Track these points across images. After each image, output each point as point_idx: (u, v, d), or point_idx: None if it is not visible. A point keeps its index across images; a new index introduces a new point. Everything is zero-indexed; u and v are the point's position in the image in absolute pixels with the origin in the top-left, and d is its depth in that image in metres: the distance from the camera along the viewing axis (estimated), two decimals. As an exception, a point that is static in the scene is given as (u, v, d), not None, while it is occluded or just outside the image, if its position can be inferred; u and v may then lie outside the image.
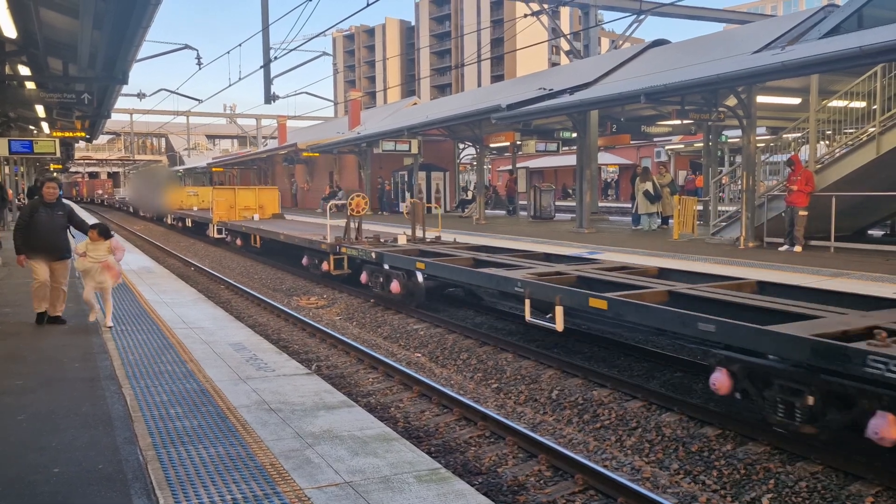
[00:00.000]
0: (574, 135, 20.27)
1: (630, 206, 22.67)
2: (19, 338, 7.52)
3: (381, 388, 8.84)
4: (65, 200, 8.31)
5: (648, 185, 18.40)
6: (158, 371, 6.02)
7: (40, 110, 16.41)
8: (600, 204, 33.05)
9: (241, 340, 7.32)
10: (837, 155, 13.39)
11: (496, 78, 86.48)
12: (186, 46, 18.43)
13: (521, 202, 28.88)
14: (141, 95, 24.04)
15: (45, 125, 19.88)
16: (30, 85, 13.30)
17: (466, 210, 28.42)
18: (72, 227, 8.29)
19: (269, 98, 20.58)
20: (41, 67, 12.24)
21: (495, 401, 8.45)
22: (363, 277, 14.34)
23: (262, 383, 5.65)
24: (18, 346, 7.08)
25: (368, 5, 12.40)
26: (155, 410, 4.93)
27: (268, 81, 20.31)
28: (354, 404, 5.16)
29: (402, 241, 15.74)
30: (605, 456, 6.72)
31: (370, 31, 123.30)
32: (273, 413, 4.88)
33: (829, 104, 13.62)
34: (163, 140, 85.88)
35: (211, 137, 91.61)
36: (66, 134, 18.51)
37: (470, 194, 32.69)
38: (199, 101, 27.34)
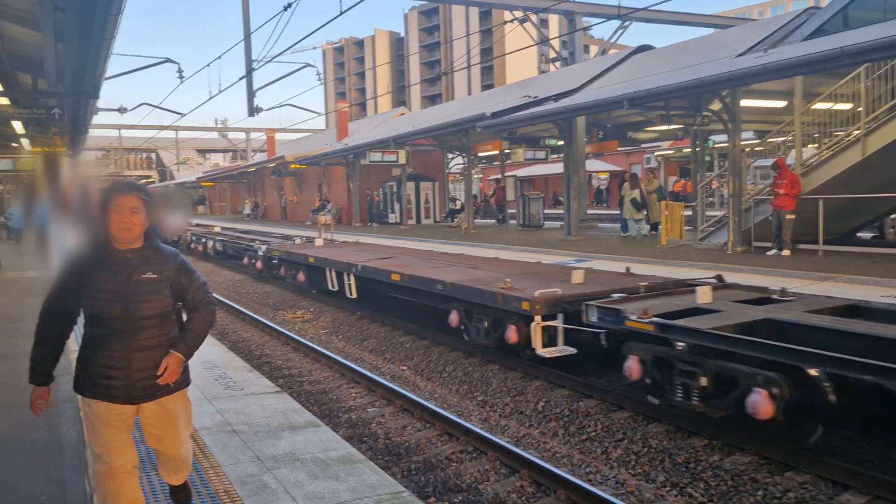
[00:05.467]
0: (560, 142, 20.16)
1: (619, 212, 22.57)
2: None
3: (363, 403, 8.65)
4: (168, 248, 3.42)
5: (636, 193, 18.30)
6: (122, 392, 5.81)
7: (18, 126, 16.22)
8: (591, 211, 33.00)
9: (213, 358, 7.11)
10: (823, 157, 13.30)
11: (486, 87, 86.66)
12: (167, 60, 18.33)
13: (510, 210, 28.78)
14: (122, 110, 23.91)
15: (25, 142, 19.68)
16: (3, 101, 13.14)
17: (455, 220, 28.29)
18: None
19: (252, 111, 20.43)
20: (10, 83, 12.04)
21: (479, 414, 8.26)
22: (633, 368, 7.24)
23: (228, 403, 5.45)
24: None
25: (342, 13, 12.30)
26: (111, 435, 4.71)
27: (251, 94, 20.17)
28: (321, 423, 4.96)
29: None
30: (589, 469, 6.54)
31: (360, 43, 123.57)
32: (235, 435, 4.68)
33: (814, 107, 13.53)
34: (152, 155, 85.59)
35: (202, 151, 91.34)
36: (47, 150, 18.25)
37: (458, 204, 32.58)
38: (182, 114, 27.19)
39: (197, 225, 34.76)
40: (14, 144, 22.68)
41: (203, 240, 26.66)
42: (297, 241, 19.37)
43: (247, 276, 21.21)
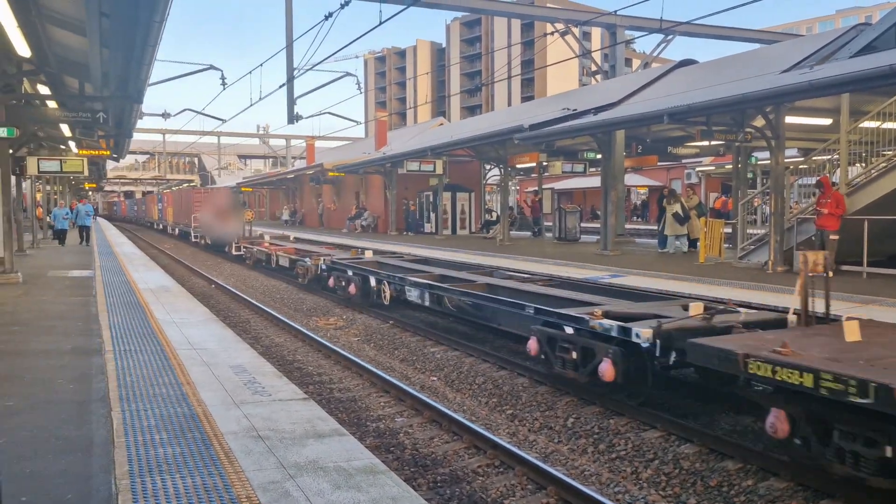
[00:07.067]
0: (599, 156, 20.01)
1: (656, 227, 22.30)
2: (19, 357, 7.44)
3: (392, 413, 8.62)
4: None
5: (677, 207, 18.11)
6: (152, 394, 5.86)
7: (66, 129, 16.65)
8: (628, 226, 32.65)
9: (243, 363, 7.14)
10: (870, 177, 12.97)
11: (526, 99, 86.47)
12: (211, 67, 18.64)
13: (546, 223, 28.64)
14: (166, 115, 24.35)
15: (72, 144, 20.17)
16: (51, 104, 13.48)
17: (491, 231, 28.24)
18: None
19: (293, 118, 20.66)
20: (59, 86, 12.35)
21: (508, 428, 8.17)
22: None
23: (255, 408, 5.46)
24: (14, 366, 6.99)
25: (381, 24, 12.38)
26: (139, 436, 4.75)
27: (291, 101, 20.40)
28: (346, 433, 4.94)
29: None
30: (618, 489, 6.41)
31: (401, 53, 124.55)
32: (260, 441, 4.68)
33: (861, 125, 13.21)
34: (195, 159, 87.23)
35: (242, 157, 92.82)
36: (92, 153, 18.73)
37: (494, 215, 32.53)
38: (224, 120, 27.66)
39: (323, 244, 24.09)
40: (62, 147, 23.30)
41: (360, 275, 15.60)
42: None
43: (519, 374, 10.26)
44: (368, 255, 18.42)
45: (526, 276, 13.77)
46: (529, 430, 8.09)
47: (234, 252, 26.40)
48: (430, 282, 13.09)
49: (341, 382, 10.09)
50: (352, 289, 15.53)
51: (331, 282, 16.97)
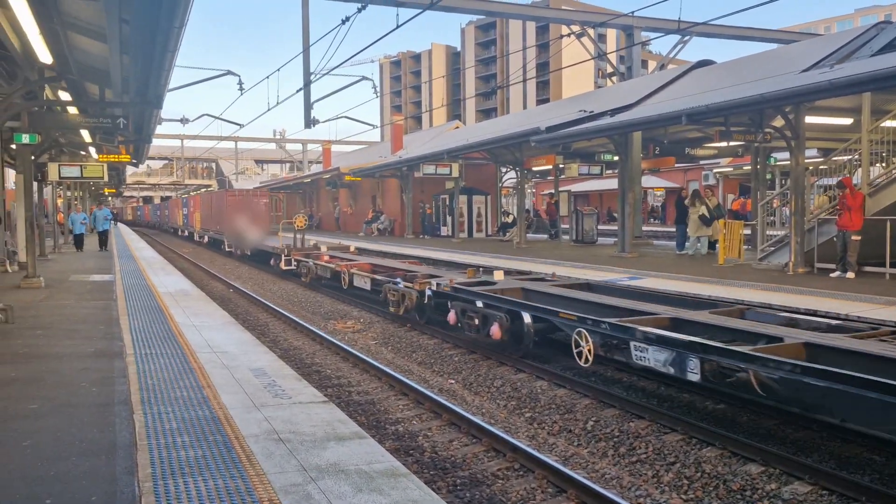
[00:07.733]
0: (616, 157, 19.94)
1: (674, 229, 22.16)
2: (42, 361, 7.51)
3: (410, 416, 8.61)
4: None
5: (703, 209, 17.93)
6: (173, 397, 5.90)
7: (86, 135, 16.84)
8: (645, 228, 32.52)
9: (263, 366, 7.18)
10: (892, 177, 12.82)
11: (542, 102, 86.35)
12: (229, 72, 18.80)
13: (563, 226, 28.56)
14: (184, 121, 24.55)
15: (92, 150, 20.41)
16: (72, 110, 13.65)
17: (507, 234, 28.21)
18: None
19: (309, 122, 20.79)
20: (80, 92, 12.51)
21: (527, 431, 8.14)
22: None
23: (275, 411, 5.48)
24: (38, 369, 7.06)
25: (398, 27, 12.42)
26: (161, 439, 4.79)
27: (308, 105, 20.52)
28: (367, 435, 4.94)
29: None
30: (639, 493, 6.36)
31: (416, 57, 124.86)
32: (281, 443, 4.69)
33: (883, 124, 13.07)
34: (213, 164, 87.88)
35: (259, 162, 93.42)
36: (112, 158, 18.96)
37: (511, 218, 32.50)
38: (241, 125, 27.90)
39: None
40: (82, 153, 23.56)
41: (507, 310, 10.57)
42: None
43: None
44: (498, 276, 13.00)
45: (831, 318, 8.48)
46: (549, 432, 8.05)
47: (283, 267, 21.83)
48: (696, 340, 7.38)
49: (360, 385, 10.09)
50: (494, 331, 10.55)
51: (450, 317, 11.78)
